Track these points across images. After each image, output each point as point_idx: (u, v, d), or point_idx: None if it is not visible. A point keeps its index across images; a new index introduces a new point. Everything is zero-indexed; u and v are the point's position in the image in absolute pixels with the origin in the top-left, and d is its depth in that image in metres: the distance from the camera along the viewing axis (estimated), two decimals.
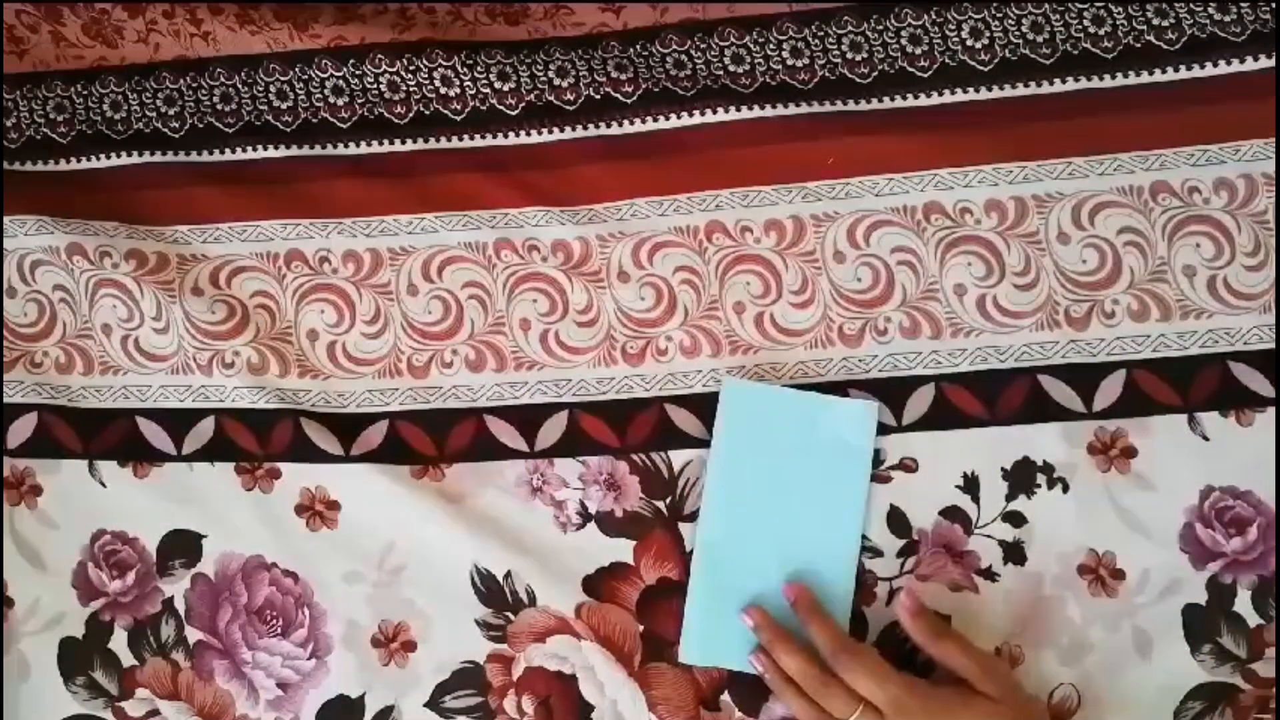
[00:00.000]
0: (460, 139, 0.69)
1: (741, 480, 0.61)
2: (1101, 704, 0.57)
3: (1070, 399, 0.61)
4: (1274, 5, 0.64)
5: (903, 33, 0.67)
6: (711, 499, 0.61)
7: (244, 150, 0.71)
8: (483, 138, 0.69)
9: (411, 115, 0.70)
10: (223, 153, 0.71)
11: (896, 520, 0.61)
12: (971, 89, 0.66)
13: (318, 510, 0.65)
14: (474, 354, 0.66)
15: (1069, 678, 0.58)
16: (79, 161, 0.72)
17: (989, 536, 0.60)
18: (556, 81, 0.69)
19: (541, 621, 0.62)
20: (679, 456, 0.63)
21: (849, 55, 0.67)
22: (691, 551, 0.61)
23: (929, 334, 0.63)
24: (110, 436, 0.67)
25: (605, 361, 0.65)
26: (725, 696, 0.60)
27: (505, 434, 0.64)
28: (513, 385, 0.65)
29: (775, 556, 0.60)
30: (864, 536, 0.60)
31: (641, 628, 0.61)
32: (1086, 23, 0.66)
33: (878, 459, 0.61)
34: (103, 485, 0.67)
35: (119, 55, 0.74)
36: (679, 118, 0.67)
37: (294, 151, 0.71)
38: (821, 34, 0.67)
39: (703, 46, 0.68)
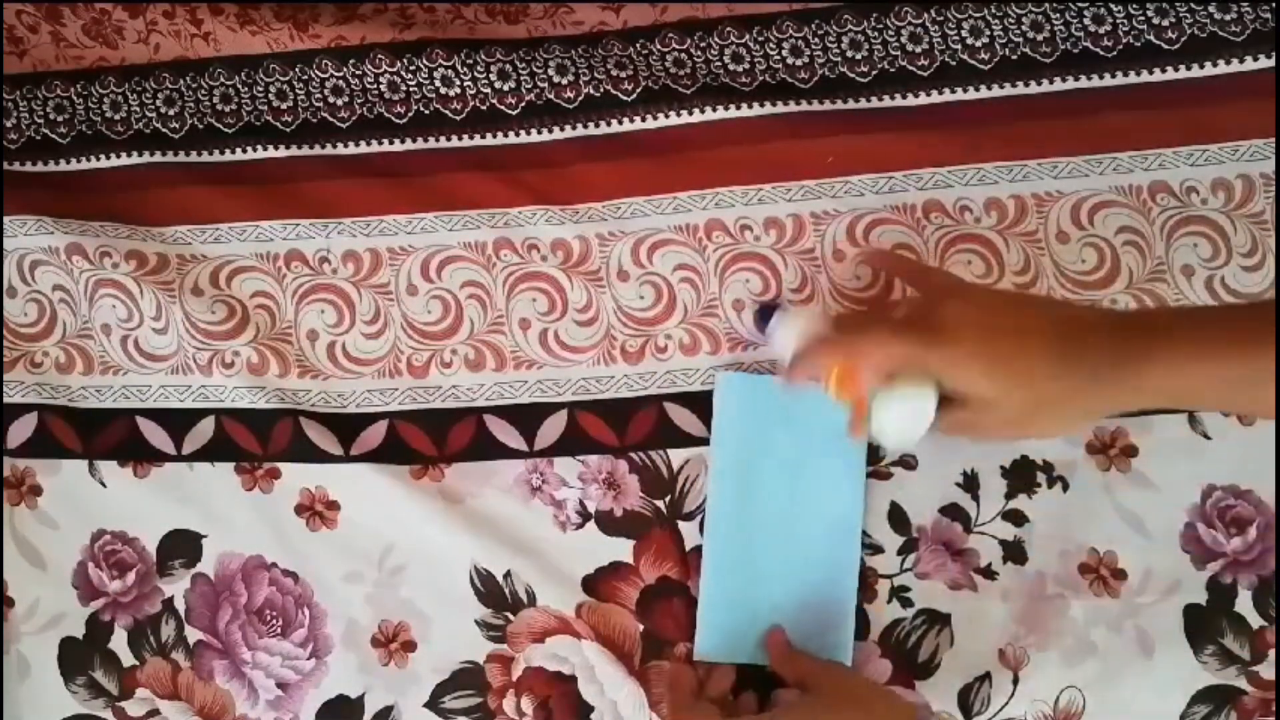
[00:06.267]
0: (460, 138, 0.69)
1: (746, 473, 0.61)
2: (1107, 708, 0.57)
3: None
4: (1274, 5, 0.64)
5: (903, 31, 0.67)
6: (718, 494, 0.61)
7: (244, 150, 0.71)
8: (483, 137, 0.69)
9: (411, 115, 0.70)
10: (223, 153, 0.71)
11: (896, 517, 0.61)
12: (971, 88, 0.66)
13: (318, 510, 0.65)
14: (473, 353, 0.66)
15: (1074, 680, 0.58)
16: (79, 162, 0.72)
17: (989, 535, 0.60)
18: (556, 80, 0.69)
19: (541, 621, 0.62)
20: (678, 455, 0.63)
21: (849, 54, 0.67)
22: (691, 550, 0.61)
23: None
24: (110, 436, 0.67)
25: (605, 360, 0.64)
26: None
27: (505, 433, 0.64)
28: (512, 384, 0.65)
29: (781, 551, 0.60)
30: (864, 533, 0.60)
31: (642, 627, 0.61)
32: (1087, 21, 0.66)
33: (877, 454, 0.61)
34: (103, 485, 0.67)
35: (119, 56, 0.74)
36: (679, 116, 0.67)
37: (294, 151, 0.70)
38: (821, 32, 0.67)
39: (702, 45, 0.68)
